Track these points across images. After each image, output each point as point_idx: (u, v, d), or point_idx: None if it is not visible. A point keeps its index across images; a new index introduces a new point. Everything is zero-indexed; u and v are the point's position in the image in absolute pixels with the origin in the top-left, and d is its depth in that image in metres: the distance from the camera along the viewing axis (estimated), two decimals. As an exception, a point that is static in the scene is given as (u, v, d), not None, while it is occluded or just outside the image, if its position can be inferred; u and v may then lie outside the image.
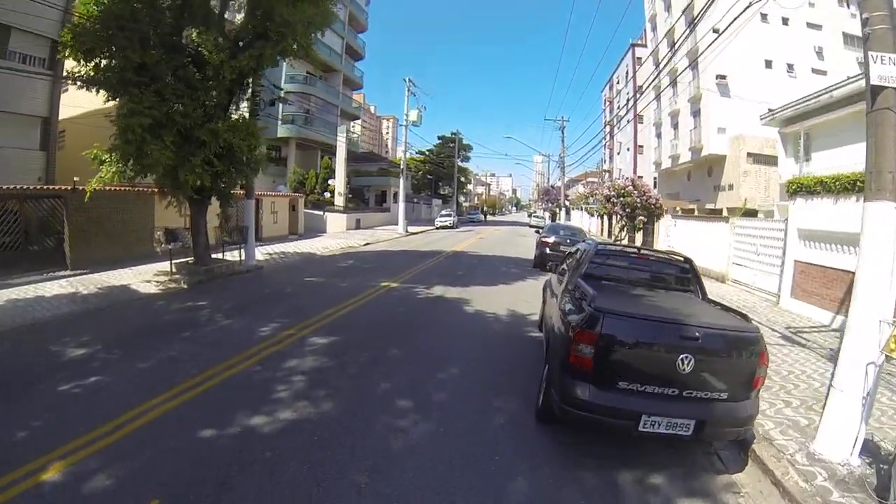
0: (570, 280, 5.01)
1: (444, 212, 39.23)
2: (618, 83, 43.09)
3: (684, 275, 5.34)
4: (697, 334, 3.33)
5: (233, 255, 12.35)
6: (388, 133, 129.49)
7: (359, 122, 57.31)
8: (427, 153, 56.68)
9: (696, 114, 25.64)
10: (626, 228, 15.80)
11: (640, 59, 36.87)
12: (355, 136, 41.33)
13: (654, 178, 37.60)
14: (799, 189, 9.51)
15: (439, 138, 57.32)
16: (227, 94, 10.47)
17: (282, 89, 29.60)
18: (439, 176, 57.83)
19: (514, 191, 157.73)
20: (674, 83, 25.96)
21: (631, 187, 14.38)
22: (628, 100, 38.67)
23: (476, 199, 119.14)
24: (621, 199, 14.20)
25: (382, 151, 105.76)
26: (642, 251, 6.07)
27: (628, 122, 35.48)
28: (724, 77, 23.39)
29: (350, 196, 40.87)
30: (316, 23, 10.83)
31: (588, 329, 3.43)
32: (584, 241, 8.94)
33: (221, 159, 9.89)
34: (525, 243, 24.00)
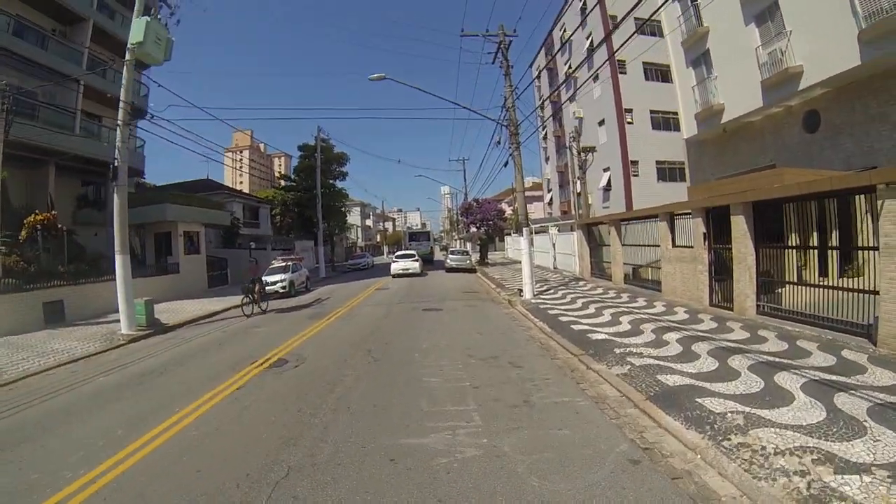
0: None
1: (277, 263, 20.62)
2: (563, 32, 30.73)
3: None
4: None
5: None
6: (280, 171, 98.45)
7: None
8: (294, 178, 38.03)
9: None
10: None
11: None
12: (141, 143, 22.84)
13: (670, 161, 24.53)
14: None
15: (300, 149, 35.93)
16: None
17: None
18: (303, 205, 35.57)
19: (424, 224, 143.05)
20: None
21: None
22: (591, 43, 26.04)
23: (378, 236, 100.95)
24: None
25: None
26: None
27: (597, 78, 21.59)
28: None
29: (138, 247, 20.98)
30: None
31: None
32: None
33: None
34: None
